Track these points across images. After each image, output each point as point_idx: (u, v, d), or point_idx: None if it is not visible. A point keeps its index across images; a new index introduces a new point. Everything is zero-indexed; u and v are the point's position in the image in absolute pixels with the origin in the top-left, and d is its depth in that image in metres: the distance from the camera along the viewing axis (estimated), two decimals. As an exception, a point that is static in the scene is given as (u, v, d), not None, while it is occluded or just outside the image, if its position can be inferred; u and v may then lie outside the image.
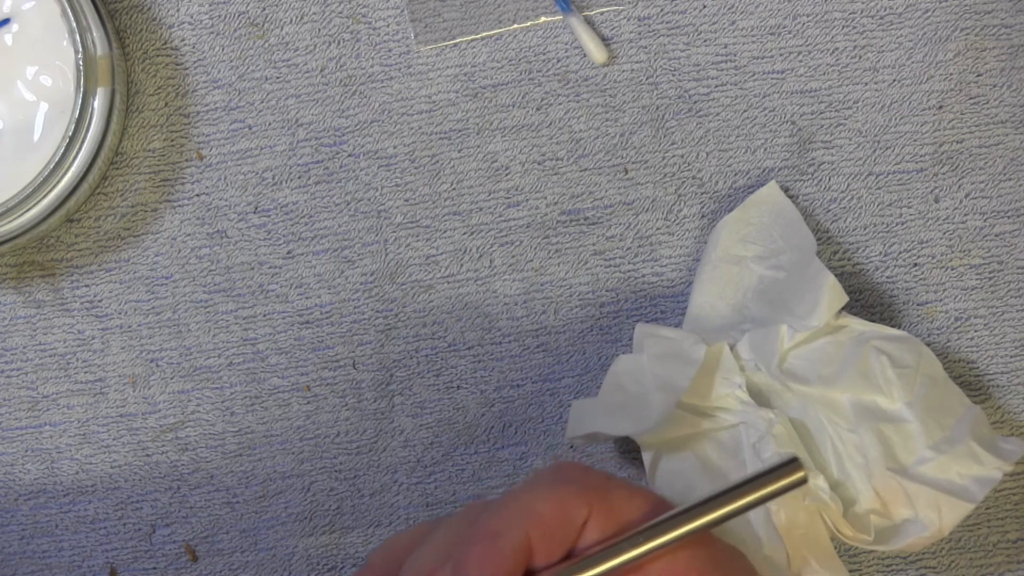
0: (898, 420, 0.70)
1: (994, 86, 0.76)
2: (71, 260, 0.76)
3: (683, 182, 0.76)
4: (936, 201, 0.77)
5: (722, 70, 0.76)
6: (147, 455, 0.77)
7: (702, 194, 0.76)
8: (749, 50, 0.76)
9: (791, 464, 0.61)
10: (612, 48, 0.76)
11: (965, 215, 0.77)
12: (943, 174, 0.76)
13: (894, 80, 0.76)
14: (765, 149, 0.76)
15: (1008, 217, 0.77)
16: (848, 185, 0.76)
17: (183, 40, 0.76)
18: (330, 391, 0.76)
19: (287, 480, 0.77)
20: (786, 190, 0.76)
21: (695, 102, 0.76)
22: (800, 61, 0.76)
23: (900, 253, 0.76)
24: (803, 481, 0.61)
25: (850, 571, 0.76)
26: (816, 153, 0.76)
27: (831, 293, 0.71)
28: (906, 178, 0.77)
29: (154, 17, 0.76)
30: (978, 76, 0.76)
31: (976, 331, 0.77)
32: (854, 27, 0.76)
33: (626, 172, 0.76)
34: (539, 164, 0.76)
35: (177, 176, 0.76)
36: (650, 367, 0.71)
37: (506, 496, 0.61)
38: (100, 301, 0.76)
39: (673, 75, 0.76)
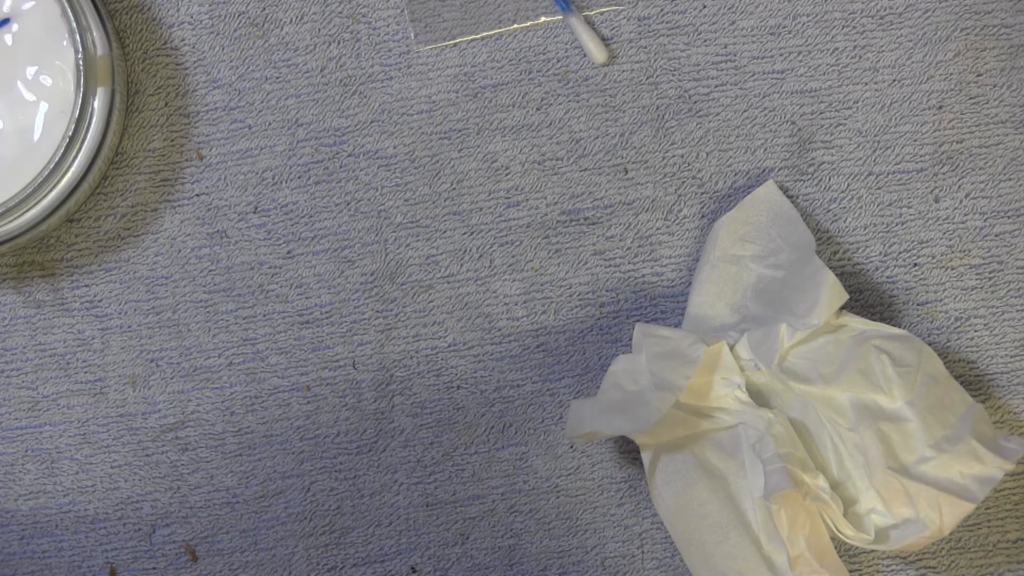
0: (899, 419, 0.70)
1: (994, 86, 0.76)
2: (71, 260, 0.76)
3: (683, 182, 0.76)
4: (936, 201, 0.76)
5: (722, 70, 0.76)
6: (147, 455, 0.77)
7: (702, 194, 0.76)
8: (749, 50, 0.76)
9: None
10: (612, 48, 0.76)
11: (965, 215, 0.77)
12: (943, 174, 0.76)
13: (894, 80, 0.76)
14: (765, 149, 0.76)
15: (1008, 217, 0.77)
16: (848, 185, 0.76)
17: (183, 40, 0.76)
18: (330, 391, 0.76)
19: (287, 480, 0.77)
20: (786, 190, 0.76)
21: (695, 102, 0.76)
22: (800, 61, 0.76)
23: (900, 253, 0.76)
24: None
25: (850, 571, 0.76)
26: (816, 153, 0.76)
27: (831, 291, 0.71)
28: (906, 178, 0.76)
29: (154, 17, 0.76)
30: (978, 76, 0.76)
31: (976, 331, 0.77)
32: (854, 27, 0.76)
33: (626, 172, 0.76)
34: (539, 164, 0.76)
35: (177, 176, 0.76)
36: (648, 366, 0.71)
37: None
38: (100, 301, 0.76)
39: (673, 75, 0.76)
